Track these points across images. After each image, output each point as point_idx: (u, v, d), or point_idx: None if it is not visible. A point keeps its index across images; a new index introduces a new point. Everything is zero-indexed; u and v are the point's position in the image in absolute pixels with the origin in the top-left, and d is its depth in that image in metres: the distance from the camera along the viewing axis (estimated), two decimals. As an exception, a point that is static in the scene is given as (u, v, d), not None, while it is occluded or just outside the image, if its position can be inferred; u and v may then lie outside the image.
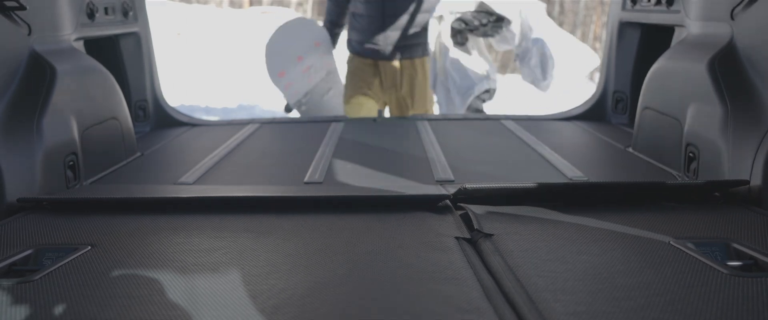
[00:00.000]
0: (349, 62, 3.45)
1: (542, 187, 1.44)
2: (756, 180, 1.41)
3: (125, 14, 2.38)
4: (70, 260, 1.10)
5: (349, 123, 2.64)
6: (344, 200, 1.48)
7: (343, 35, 3.54)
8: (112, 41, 2.42)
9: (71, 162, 1.66)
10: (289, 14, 11.84)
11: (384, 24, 3.23)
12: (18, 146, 1.48)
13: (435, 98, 3.37)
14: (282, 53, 3.38)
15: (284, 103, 3.56)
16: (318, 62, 3.40)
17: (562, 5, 13.94)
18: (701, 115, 1.63)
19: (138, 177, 1.84)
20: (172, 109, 2.68)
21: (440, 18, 3.19)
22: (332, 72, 3.49)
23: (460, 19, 3.17)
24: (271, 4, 15.09)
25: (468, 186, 1.44)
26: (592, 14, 13.53)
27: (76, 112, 1.71)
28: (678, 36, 2.05)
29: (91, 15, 2.07)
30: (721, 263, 1.07)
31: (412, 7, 3.22)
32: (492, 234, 1.21)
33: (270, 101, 6.77)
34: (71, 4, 1.92)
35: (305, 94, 3.42)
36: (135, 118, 2.45)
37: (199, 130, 2.54)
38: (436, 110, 3.51)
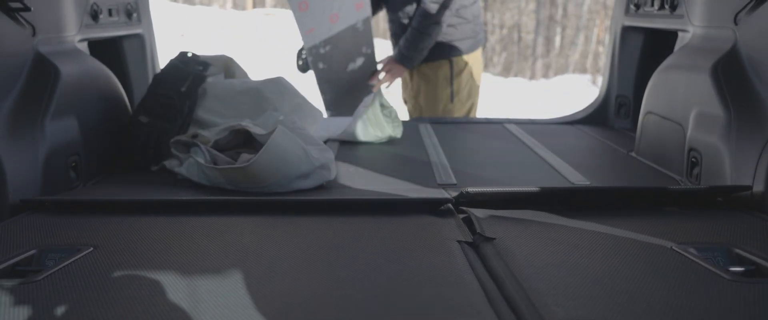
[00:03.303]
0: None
1: (544, 191, 1.45)
2: (759, 186, 1.41)
3: (129, 16, 2.38)
4: (73, 261, 1.10)
5: None
6: (346, 203, 1.48)
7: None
8: (116, 43, 2.42)
9: (74, 164, 1.67)
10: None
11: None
12: (22, 147, 1.48)
13: None
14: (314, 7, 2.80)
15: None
16: (352, 18, 2.82)
17: (564, 8, 13.93)
18: (704, 120, 1.63)
19: (140, 178, 1.84)
20: None
21: None
22: (367, 43, 2.87)
23: None
24: (275, 5, 15.11)
25: (470, 189, 1.44)
26: (595, 18, 13.51)
27: (80, 113, 1.71)
28: (681, 41, 2.04)
29: (95, 16, 2.08)
30: (724, 268, 1.07)
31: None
32: (494, 238, 1.22)
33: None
34: (75, 6, 1.93)
35: (324, 41, 2.84)
36: None
37: (201, 131, 2.53)
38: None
